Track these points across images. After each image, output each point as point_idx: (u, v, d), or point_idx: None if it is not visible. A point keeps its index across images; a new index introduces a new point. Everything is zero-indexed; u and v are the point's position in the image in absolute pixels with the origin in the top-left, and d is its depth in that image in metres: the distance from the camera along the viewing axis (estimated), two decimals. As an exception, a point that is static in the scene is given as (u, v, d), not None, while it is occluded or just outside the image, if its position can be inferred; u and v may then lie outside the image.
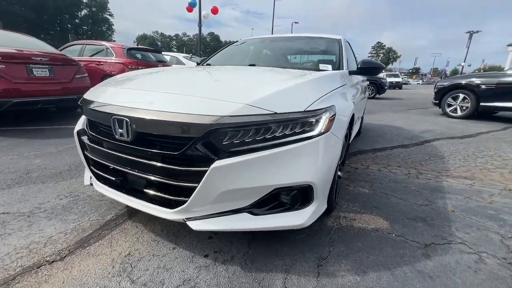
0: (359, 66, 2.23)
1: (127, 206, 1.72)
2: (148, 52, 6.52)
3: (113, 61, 5.75)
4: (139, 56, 6.06)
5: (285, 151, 1.10)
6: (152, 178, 1.20)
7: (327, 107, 1.27)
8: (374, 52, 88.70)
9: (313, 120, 1.18)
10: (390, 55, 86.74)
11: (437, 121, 5.95)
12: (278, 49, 2.72)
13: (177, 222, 1.53)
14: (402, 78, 28.43)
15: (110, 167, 1.36)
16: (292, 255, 1.32)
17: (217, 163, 1.05)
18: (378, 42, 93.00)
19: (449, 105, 6.62)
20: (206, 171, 1.06)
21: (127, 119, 1.16)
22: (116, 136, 1.23)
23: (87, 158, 1.48)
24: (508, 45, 31.74)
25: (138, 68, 5.80)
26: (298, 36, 2.79)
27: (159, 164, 1.15)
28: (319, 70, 2.11)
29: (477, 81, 6.08)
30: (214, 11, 14.57)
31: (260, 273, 1.20)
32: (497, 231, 1.60)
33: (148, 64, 6.07)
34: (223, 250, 1.35)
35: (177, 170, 1.12)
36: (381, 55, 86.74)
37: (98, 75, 5.74)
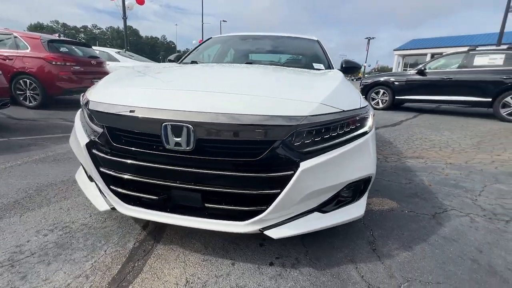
0: (343, 65, 2.44)
1: (143, 229, 1.46)
2: (74, 45, 5.44)
3: (29, 55, 4.59)
4: (64, 50, 5.00)
5: (355, 146, 1.15)
6: (218, 190, 1.06)
7: (367, 105, 1.37)
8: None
9: (368, 116, 1.27)
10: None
11: (367, 113, 7.01)
12: (266, 48, 2.71)
13: (217, 235, 1.40)
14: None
15: (150, 184, 1.13)
16: (347, 245, 1.39)
17: (305, 165, 1.02)
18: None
19: (373, 99, 7.88)
20: (292, 174, 1.01)
21: (189, 125, 0.99)
22: (168, 146, 1.03)
23: (105, 177, 1.18)
24: (394, 50, 39.62)
25: (66, 65, 4.82)
26: (277, 35, 2.84)
27: (230, 173, 1.03)
28: (314, 68, 2.23)
29: (392, 78, 7.43)
30: (140, 1, 13.19)
31: (332, 268, 1.22)
32: (466, 196, 2.05)
33: (77, 60, 5.10)
34: (283, 254, 1.31)
35: (256, 178, 1.03)
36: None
37: (6, 73, 4.48)
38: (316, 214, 1.18)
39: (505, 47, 5.99)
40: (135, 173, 1.12)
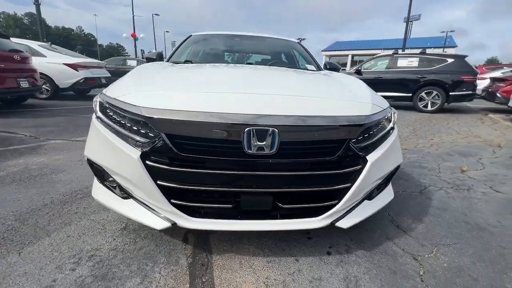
0: (327, 67, 2.68)
1: (185, 242, 1.36)
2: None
3: None
4: (-26, 41, 3.92)
5: (394, 139, 1.33)
6: (295, 190, 1.10)
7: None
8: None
9: (392, 112, 1.47)
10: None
11: (317, 109, 7.70)
12: (258, 48, 2.71)
13: (263, 236, 1.42)
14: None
15: (221, 192, 1.07)
16: (376, 226, 1.59)
17: (372, 158, 1.14)
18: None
19: (320, 96, 8.69)
20: (362, 168, 1.13)
21: (275, 129, 0.99)
22: (249, 151, 1.01)
23: (165, 191, 1.06)
24: (322, 51, 43.94)
25: (-21, 60, 3.82)
26: (260, 35, 2.88)
27: (309, 173, 1.08)
28: (307, 69, 2.39)
29: (335, 77, 8.33)
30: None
31: (378, 247, 1.39)
32: (431, 174, 2.54)
33: (-4, 54, 4.08)
34: (333, 243, 1.41)
35: (332, 174, 1.10)
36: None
37: None
38: (365, 202, 1.32)
39: (418, 51, 7.41)
40: (206, 183, 1.05)
